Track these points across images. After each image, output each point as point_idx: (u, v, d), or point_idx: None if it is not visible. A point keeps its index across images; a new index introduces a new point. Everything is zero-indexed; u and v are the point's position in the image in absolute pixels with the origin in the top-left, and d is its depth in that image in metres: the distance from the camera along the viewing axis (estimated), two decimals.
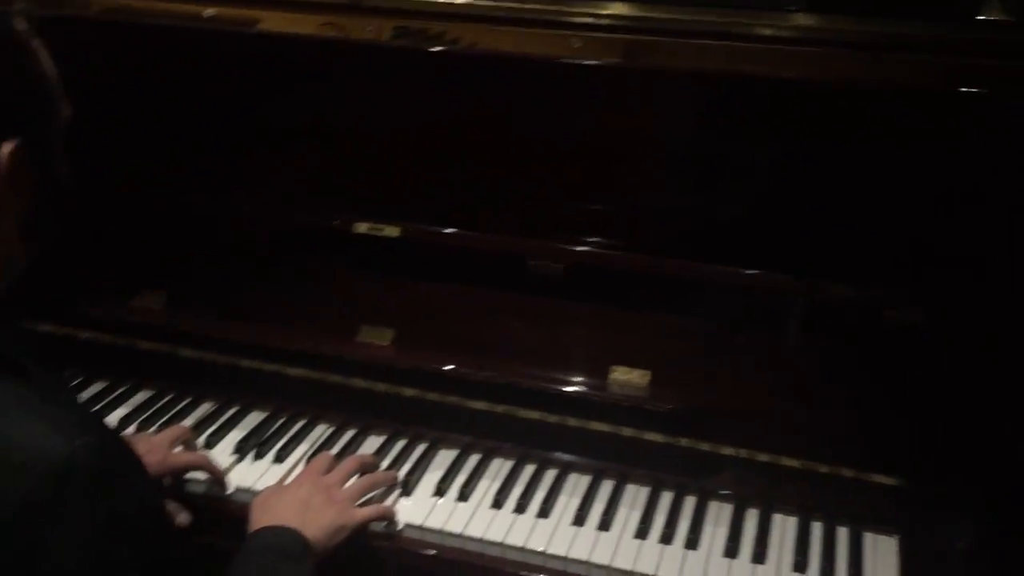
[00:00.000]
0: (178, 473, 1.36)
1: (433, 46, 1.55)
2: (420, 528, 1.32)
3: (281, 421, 1.52)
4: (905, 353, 1.33)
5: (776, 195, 1.39)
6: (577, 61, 1.44)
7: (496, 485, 1.39)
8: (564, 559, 1.28)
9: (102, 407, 1.54)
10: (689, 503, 1.38)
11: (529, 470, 1.43)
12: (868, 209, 1.37)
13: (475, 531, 1.31)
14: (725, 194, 1.40)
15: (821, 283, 1.35)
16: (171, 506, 1.31)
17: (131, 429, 1.49)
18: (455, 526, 1.32)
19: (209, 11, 1.67)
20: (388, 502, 1.35)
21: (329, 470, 1.33)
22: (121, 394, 1.59)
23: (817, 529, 1.34)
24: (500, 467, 1.44)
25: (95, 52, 1.56)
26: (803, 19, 1.46)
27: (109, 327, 1.59)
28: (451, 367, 1.44)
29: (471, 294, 1.47)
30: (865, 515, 1.34)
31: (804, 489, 1.36)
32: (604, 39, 1.50)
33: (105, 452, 0.82)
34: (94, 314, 1.58)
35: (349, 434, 1.50)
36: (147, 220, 1.59)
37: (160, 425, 1.50)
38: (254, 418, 1.53)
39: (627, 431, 1.40)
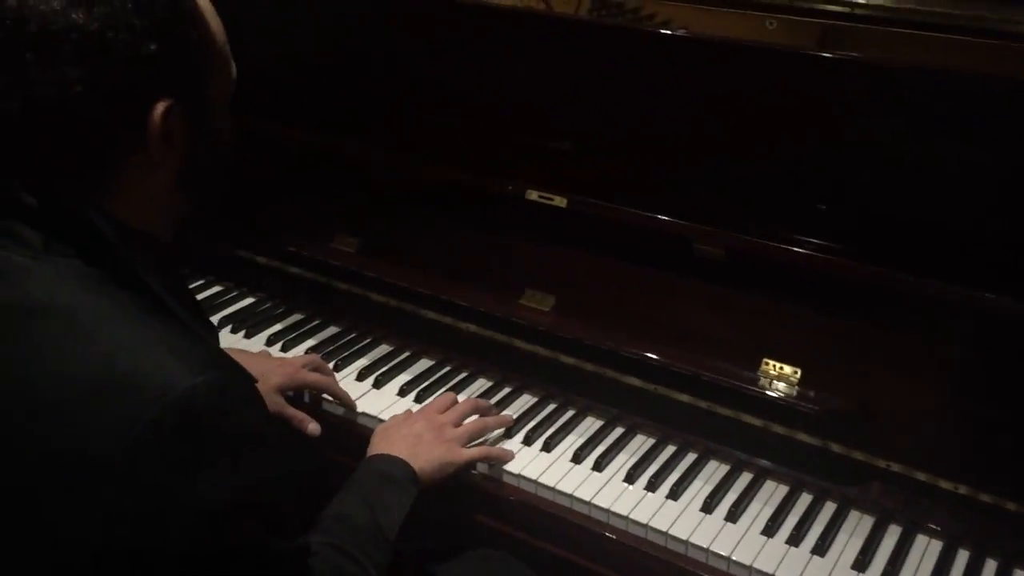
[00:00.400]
0: (304, 389, 1.53)
1: (629, 22, 1.56)
2: (552, 490, 1.37)
3: (446, 370, 1.62)
4: None
5: (958, 202, 1.30)
6: (758, 44, 1.40)
7: (633, 460, 1.42)
8: (685, 543, 1.28)
9: (295, 336, 1.70)
10: (827, 509, 1.34)
11: (668, 451, 1.44)
12: None
13: (603, 501, 1.34)
14: (899, 195, 1.33)
15: (995, 298, 1.25)
16: (299, 415, 1.46)
17: None
18: (585, 493, 1.35)
19: None
20: (524, 459, 1.41)
21: (447, 408, 1.43)
22: (314, 326, 1.74)
23: (962, 558, 1.27)
24: (641, 443, 1.46)
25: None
26: None
27: (310, 265, 1.74)
28: (605, 341, 1.47)
29: (631, 270, 1.49)
30: (1021, 552, 1.25)
31: (957, 514, 1.28)
32: (799, 22, 1.45)
33: (227, 389, 0.89)
34: (298, 252, 1.74)
35: (505, 390, 1.57)
36: (347, 171, 1.72)
37: (340, 360, 1.63)
38: (422, 364, 1.63)
39: (777, 428, 1.38)
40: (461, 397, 1.54)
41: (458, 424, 1.41)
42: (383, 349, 1.68)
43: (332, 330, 1.73)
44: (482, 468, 1.41)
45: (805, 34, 1.45)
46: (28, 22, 0.88)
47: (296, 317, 1.77)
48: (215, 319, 1.73)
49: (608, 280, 1.51)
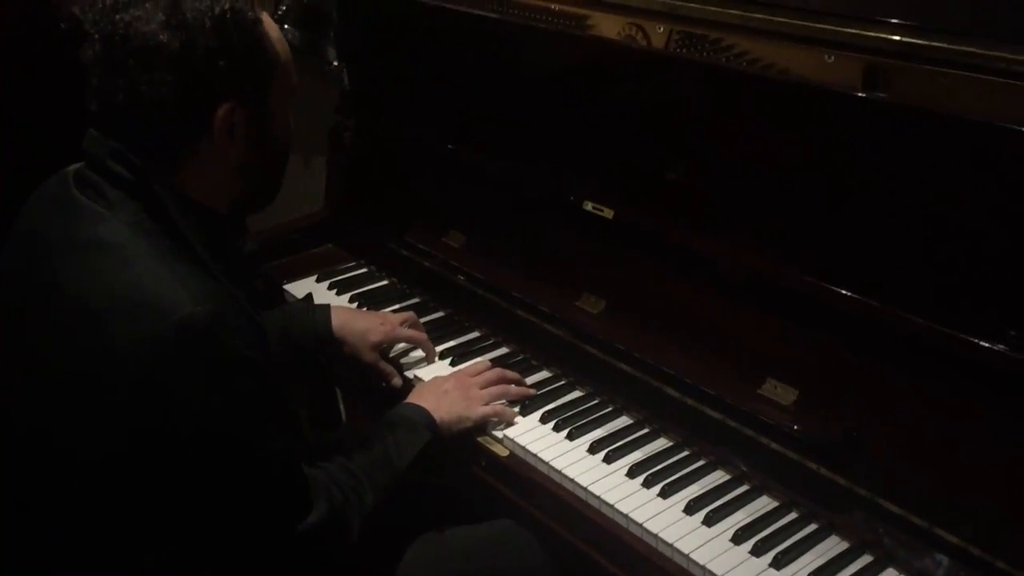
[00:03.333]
0: (399, 342, 1.80)
1: (711, 54, 1.67)
2: (560, 472, 1.51)
3: (517, 359, 1.79)
4: None
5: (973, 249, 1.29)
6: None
7: (641, 457, 1.52)
8: (655, 536, 1.38)
9: (408, 307, 1.95)
10: (808, 529, 1.38)
11: (681, 455, 1.53)
12: None
13: (598, 489, 1.47)
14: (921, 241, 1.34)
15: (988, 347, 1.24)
16: (389, 369, 1.74)
17: None
18: (585, 480, 1.48)
19: (555, 6, 1.96)
20: (545, 443, 1.57)
21: (480, 373, 1.65)
22: (428, 308, 1.98)
23: None
24: (659, 445, 1.56)
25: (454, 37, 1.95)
26: None
27: (427, 256, 1.99)
28: (638, 349, 1.59)
29: (666, 281, 1.60)
30: None
31: (923, 552, 1.28)
32: (852, 57, 1.49)
33: (220, 318, 1.14)
34: (417, 244, 2.00)
35: (561, 382, 1.72)
36: (459, 175, 1.96)
37: (436, 337, 1.85)
38: (498, 352, 1.82)
39: (774, 445, 1.43)
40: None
41: (484, 387, 1.62)
42: (472, 335, 1.88)
43: (439, 314, 1.96)
44: (509, 445, 1.58)
45: (854, 68, 1.50)
46: (132, 39, 1.18)
47: (415, 300, 2.02)
48: (348, 296, 2.02)
49: (647, 288, 1.63)
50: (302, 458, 1.33)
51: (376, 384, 1.77)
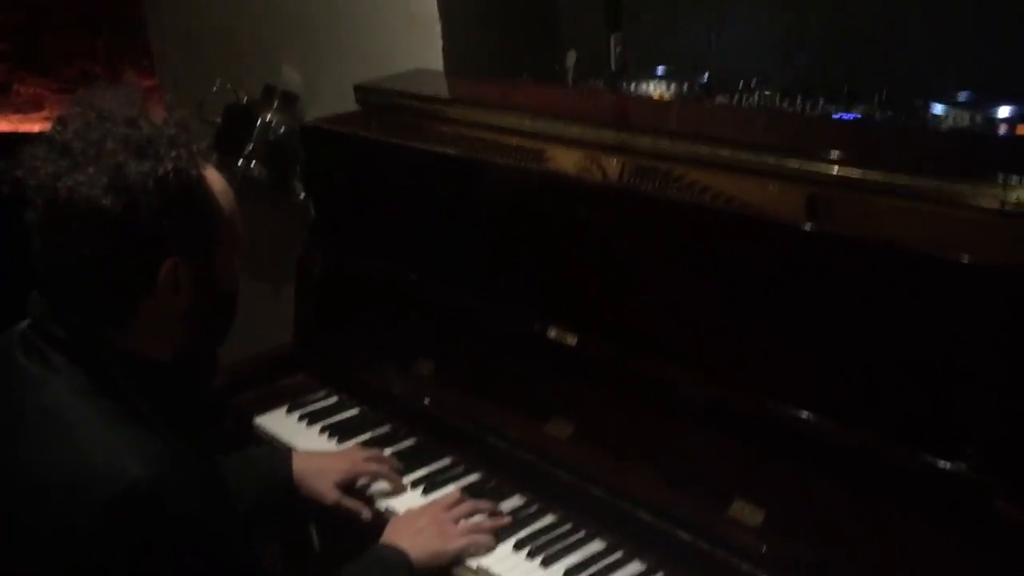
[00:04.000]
0: (362, 476, 1.80)
1: (663, 185, 1.75)
2: None
3: (489, 486, 1.81)
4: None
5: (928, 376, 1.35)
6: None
7: None
8: None
9: (379, 436, 1.98)
10: None
11: None
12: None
13: None
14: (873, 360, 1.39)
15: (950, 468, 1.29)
16: (355, 505, 1.74)
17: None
18: None
19: (514, 140, 2.05)
20: (520, 570, 1.58)
21: (452, 507, 1.66)
22: (398, 436, 2.00)
23: None
24: (633, 569, 1.57)
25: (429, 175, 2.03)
26: None
27: (397, 383, 2.02)
28: (607, 472, 1.62)
29: (632, 405, 1.64)
30: None
31: None
32: (793, 187, 1.58)
33: (163, 481, 1.14)
34: (386, 373, 2.03)
35: (533, 508, 1.74)
36: (425, 304, 2.01)
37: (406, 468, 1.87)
38: (469, 479, 1.83)
39: (745, 567, 1.45)
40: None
41: (458, 520, 1.64)
42: (444, 462, 1.90)
43: (407, 443, 1.98)
44: None
45: (798, 196, 1.58)
46: (75, 203, 1.19)
47: (384, 429, 2.04)
48: (319, 426, 2.04)
49: (616, 413, 1.66)
50: None
51: (345, 521, 1.77)
